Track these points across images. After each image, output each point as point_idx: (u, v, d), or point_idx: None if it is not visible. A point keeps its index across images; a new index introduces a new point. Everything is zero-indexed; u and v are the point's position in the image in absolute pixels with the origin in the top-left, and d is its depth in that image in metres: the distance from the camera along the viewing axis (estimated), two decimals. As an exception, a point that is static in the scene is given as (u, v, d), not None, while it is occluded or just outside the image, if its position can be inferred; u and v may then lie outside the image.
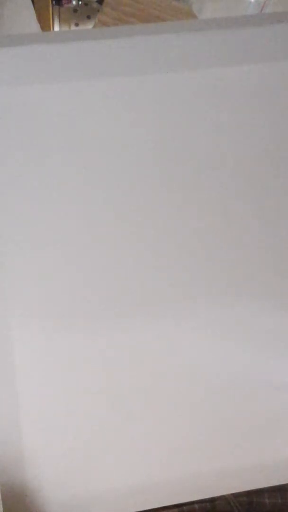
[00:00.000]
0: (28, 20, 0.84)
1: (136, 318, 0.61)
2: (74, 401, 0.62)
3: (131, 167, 0.56)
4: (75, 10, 1.26)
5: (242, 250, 0.60)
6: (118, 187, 0.56)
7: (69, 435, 0.64)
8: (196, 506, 0.70)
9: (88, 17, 1.26)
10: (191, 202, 0.58)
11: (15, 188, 0.54)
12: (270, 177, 0.58)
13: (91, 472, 0.66)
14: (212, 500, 0.71)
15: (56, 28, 1.24)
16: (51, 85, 0.51)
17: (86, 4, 1.26)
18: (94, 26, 0.90)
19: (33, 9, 0.88)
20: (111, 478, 0.66)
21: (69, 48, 0.51)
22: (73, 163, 0.54)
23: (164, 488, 0.68)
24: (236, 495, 0.71)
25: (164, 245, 0.59)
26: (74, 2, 1.25)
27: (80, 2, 1.26)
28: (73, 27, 1.25)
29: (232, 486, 0.70)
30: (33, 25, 0.86)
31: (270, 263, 0.62)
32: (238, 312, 0.63)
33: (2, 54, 0.50)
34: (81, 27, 1.26)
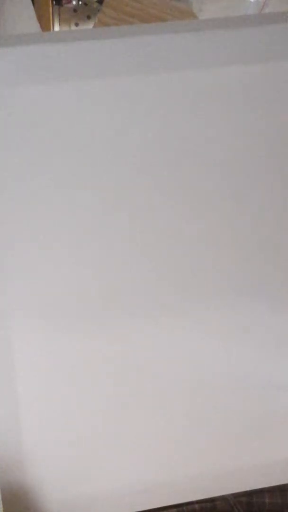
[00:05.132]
0: (28, 20, 0.84)
1: (136, 320, 0.60)
2: (74, 402, 0.62)
3: (131, 167, 0.56)
4: (75, 10, 1.26)
5: (243, 251, 0.60)
6: (118, 188, 0.56)
7: (69, 436, 0.64)
8: (196, 506, 0.70)
9: (88, 17, 1.26)
10: (193, 203, 0.58)
11: (16, 188, 0.54)
12: (272, 177, 0.58)
13: (91, 472, 0.66)
14: (212, 500, 0.71)
15: (56, 28, 1.24)
16: (51, 85, 0.51)
17: (86, 4, 1.26)
18: (94, 26, 0.90)
19: (33, 9, 0.88)
20: (111, 478, 0.66)
21: (69, 48, 0.51)
22: (73, 163, 0.54)
23: (164, 488, 0.68)
24: (236, 495, 0.71)
25: (166, 247, 0.59)
26: (74, 2, 1.25)
27: (80, 2, 1.26)
28: (73, 27, 1.25)
29: (232, 486, 0.70)
30: (33, 25, 0.86)
31: (271, 265, 0.62)
32: (239, 313, 0.63)
33: (2, 54, 0.50)
34: (81, 27, 1.25)
